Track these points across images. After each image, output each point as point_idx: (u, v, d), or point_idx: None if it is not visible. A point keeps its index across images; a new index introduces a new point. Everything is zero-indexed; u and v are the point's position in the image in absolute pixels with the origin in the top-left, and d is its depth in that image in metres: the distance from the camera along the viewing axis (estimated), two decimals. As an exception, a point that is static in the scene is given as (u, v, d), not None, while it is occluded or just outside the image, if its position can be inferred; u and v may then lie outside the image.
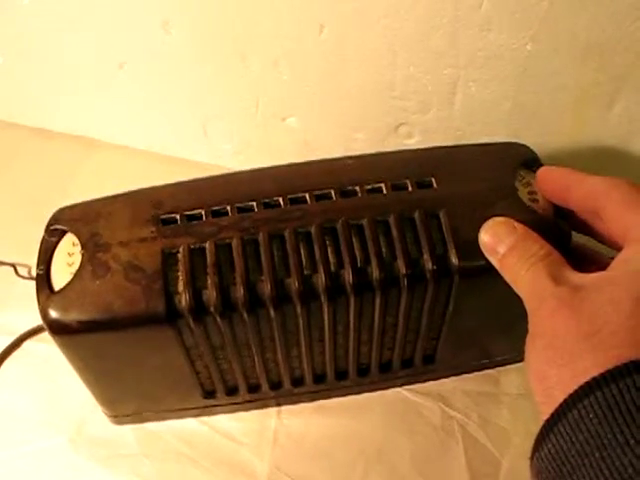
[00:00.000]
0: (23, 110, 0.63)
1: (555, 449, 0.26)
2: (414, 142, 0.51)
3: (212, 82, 0.53)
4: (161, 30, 0.50)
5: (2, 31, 0.57)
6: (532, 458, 0.28)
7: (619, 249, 0.31)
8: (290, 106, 0.53)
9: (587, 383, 0.25)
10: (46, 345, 0.51)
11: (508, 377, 0.48)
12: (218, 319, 0.36)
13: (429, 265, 0.37)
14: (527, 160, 0.41)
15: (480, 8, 0.42)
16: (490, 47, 0.44)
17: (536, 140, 0.43)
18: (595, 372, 0.25)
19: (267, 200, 0.38)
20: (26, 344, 0.52)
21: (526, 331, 0.45)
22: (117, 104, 0.59)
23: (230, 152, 0.59)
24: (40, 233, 0.39)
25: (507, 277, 0.34)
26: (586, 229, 0.37)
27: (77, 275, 0.37)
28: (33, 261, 0.54)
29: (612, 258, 0.32)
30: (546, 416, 0.27)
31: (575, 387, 0.26)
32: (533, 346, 0.30)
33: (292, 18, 0.46)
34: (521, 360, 0.47)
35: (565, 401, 0.26)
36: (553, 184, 0.37)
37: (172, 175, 0.41)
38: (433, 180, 0.39)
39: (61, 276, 0.37)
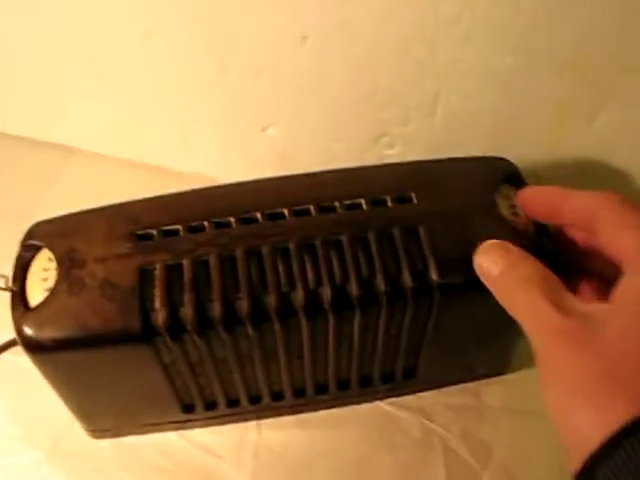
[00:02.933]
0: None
1: None
2: (395, 152, 0.51)
3: (193, 91, 0.53)
4: (141, 37, 0.50)
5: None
6: None
7: (614, 271, 0.29)
8: (270, 116, 0.52)
9: (623, 429, 0.24)
10: (22, 358, 0.49)
11: (490, 390, 0.48)
12: (195, 336, 0.36)
13: (409, 282, 0.36)
14: (509, 175, 0.41)
15: (460, 20, 0.41)
16: (470, 59, 0.43)
17: (516, 152, 0.43)
18: (625, 414, 0.24)
19: (245, 215, 0.38)
20: (1, 357, 0.51)
21: (507, 345, 0.45)
22: (96, 111, 0.58)
23: (210, 161, 0.58)
24: (15, 243, 0.39)
25: (502, 301, 0.32)
26: (577, 247, 0.36)
27: (53, 292, 0.36)
28: (9, 272, 0.54)
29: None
30: (576, 463, 0.25)
31: (606, 432, 0.24)
32: (550, 383, 0.28)
33: (275, 29, 0.46)
34: (503, 373, 0.48)
35: (604, 445, 0.24)
36: (540, 207, 0.36)
37: (151, 184, 0.40)
38: (413, 195, 0.39)
39: (36, 292, 0.37)
